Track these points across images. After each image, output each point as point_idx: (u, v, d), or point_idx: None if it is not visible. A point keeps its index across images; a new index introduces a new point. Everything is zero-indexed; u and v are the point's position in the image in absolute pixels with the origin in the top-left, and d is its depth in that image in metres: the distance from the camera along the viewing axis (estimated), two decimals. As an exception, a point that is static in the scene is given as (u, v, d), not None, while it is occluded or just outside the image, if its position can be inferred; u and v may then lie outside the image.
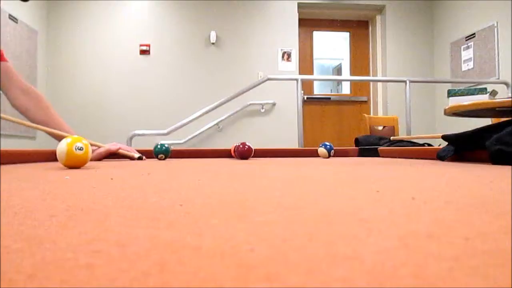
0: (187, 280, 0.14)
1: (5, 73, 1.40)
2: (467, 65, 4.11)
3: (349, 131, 4.66)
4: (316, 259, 0.17)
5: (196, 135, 4.21)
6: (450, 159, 1.20)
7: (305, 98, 4.59)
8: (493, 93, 2.66)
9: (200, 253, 0.18)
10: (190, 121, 3.32)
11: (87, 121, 4.23)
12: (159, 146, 1.63)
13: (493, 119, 2.74)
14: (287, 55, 4.47)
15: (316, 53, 4.82)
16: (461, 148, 1.16)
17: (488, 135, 1.00)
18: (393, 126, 3.28)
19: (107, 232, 0.23)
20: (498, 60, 3.70)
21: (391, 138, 2.41)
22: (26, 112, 1.42)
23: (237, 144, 1.61)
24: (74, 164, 0.91)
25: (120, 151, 1.50)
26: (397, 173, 0.73)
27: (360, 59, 4.85)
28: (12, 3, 3.64)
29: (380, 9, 4.70)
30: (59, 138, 1.20)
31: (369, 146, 2.10)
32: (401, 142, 2.23)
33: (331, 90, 5.55)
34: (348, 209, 0.31)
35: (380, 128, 3.28)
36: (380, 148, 1.94)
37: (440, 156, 1.23)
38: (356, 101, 4.77)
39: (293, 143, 3.82)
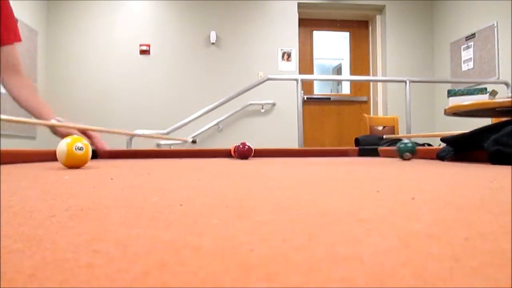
0: (187, 280, 0.14)
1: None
2: (467, 65, 4.11)
3: (349, 131, 4.65)
4: (316, 259, 0.17)
5: (196, 135, 4.21)
6: (450, 159, 1.20)
7: (305, 98, 4.59)
8: (493, 93, 2.66)
9: (200, 253, 0.18)
10: (190, 121, 3.32)
11: (87, 121, 4.22)
12: (402, 145, 1.33)
13: (493, 119, 2.74)
14: (287, 55, 4.47)
15: (316, 53, 4.81)
16: (460, 149, 1.16)
17: (486, 136, 1.00)
18: (393, 126, 3.28)
19: (107, 232, 0.23)
20: (498, 60, 3.70)
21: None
22: (11, 89, 1.42)
23: (237, 144, 1.60)
24: (74, 164, 0.91)
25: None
26: (397, 173, 0.73)
27: (360, 59, 4.85)
28: (12, 3, 3.63)
29: (380, 9, 4.70)
30: (40, 117, 1.22)
31: (369, 146, 2.10)
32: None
33: (331, 90, 5.55)
34: (348, 209, 0.31)
35: (380, 128, 3.28)
36: (380, 148, 1.94)
37: (440, 156, 1.23)
38: (356, 101, 4.77)
39: (293, 143, 3.82)
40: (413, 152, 1.32)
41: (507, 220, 0.25)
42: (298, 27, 4.53)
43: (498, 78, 3.66)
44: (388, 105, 4.54)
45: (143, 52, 4.31)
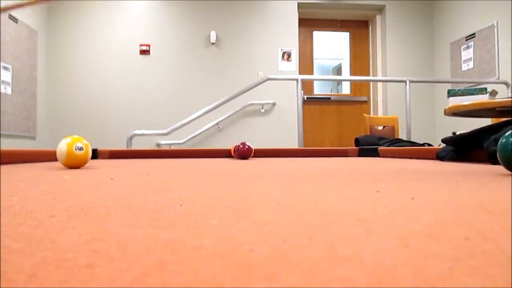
0: (187, 280, 0.14)
1: None
2: (467, 65, 4.11)
3: (349, 131, 4.66)
4: (316, 259, 0.17)
5: (196, 135, 4.21)
6: (450, 160, 1.20)
7: (305, 98, 4.59)
8: (493, 93, 2.66)
9: (200, 254, 0.18)
10: (190, 121, 3.33)
11: (87, 121, 4.23)
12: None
13: (493, 119, 2.74)
14: (287, 55, 4.47)
15: (316, 53, 4.81)
16: (461, 149, 1.16)
17: (486, 136, 1.00)
18: (393, 126, 3.28)
19: (107, 232, 0.23)
20: (498, 60, 3.70)
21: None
22: None
23: (237, 144, 1.60)
24: (74, 164, 0.91)
25: None
26: (397, 173, 0.73)
27: (360, 59, 4.85)
28: (12, 3, 3.63)
29: (380, 9, 4.70)
30: None
31: (369, 146, 2.10)
32: (401, 142, 2.23)
33: (331, 90, 5.55)
34: (348, 209, 0.31)
35: (380, 128, 3.28)
36: (380, 148, 1.94)
37: (440, 156, 1.23)
38: (356, 101, 4.77)
39: (293, 143, 3.82)
40: None
41: (507, 220, 0.25)
42: (298, 27, 4.53)
43: (498, 78, 3.66)
44: (388, 105, 4.54)
45: (143, 52, 4.31)
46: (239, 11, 4.43)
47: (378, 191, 0.42)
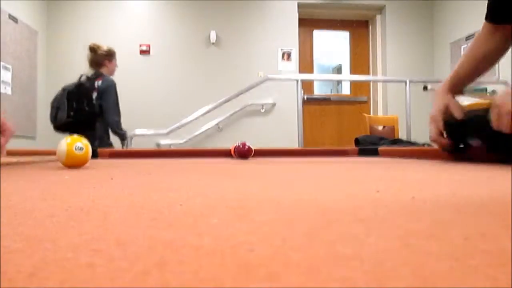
0: (187, 280, 0.14)
1: None
2: (467, 65, 4.11)
3: (349, 131, 4.66)
4: (316, 259, 0.17)
5: (196, 135, 4.21)
6: (450, 157, 1.19)
7: (305, 98, 4.59)
8: (494, 93, 2.66)
9: (200, 253, 0.18)
10: (190, 121, 3.33)
11: (87, 121, 4.23)
12: None
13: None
14: (287, 55, 4.47)
15: (316, 53, 4.81)
16: (459, 138, 1.14)
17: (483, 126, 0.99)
18: (393, 126, 3.28)
19: (107, 232, 0.23)
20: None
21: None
22: None
23: (237, 144, 1.60)
24: (74, 164, 0.91)
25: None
26: (397, 173, 0.73)
27: (360, 59, 4.85)
28: (12, 3, 3.63)
29: (380, 9, 4.70)
30: None
31: (369, 146, 2.10)
32: (401, 142, 2.23)
33: (331, 90, 5.55)
34: (348, 209, 0.31)
35: (380, 128, 3.28)
36: (380, 148, 1.93)
37: (446, 149, 1.20)
38: (356, 101, 4.77)
39: (293, 143, 3.82)
40: None
41: (507, 220, 0.25)
42: (298, 27, 4.53)
43: (498, 78, 3.66)
44: (388, 105, 4.54)
45: (143, 52, 4.31)
46: (239, 11, 4.44)
47: (378, 191, 0.42)
